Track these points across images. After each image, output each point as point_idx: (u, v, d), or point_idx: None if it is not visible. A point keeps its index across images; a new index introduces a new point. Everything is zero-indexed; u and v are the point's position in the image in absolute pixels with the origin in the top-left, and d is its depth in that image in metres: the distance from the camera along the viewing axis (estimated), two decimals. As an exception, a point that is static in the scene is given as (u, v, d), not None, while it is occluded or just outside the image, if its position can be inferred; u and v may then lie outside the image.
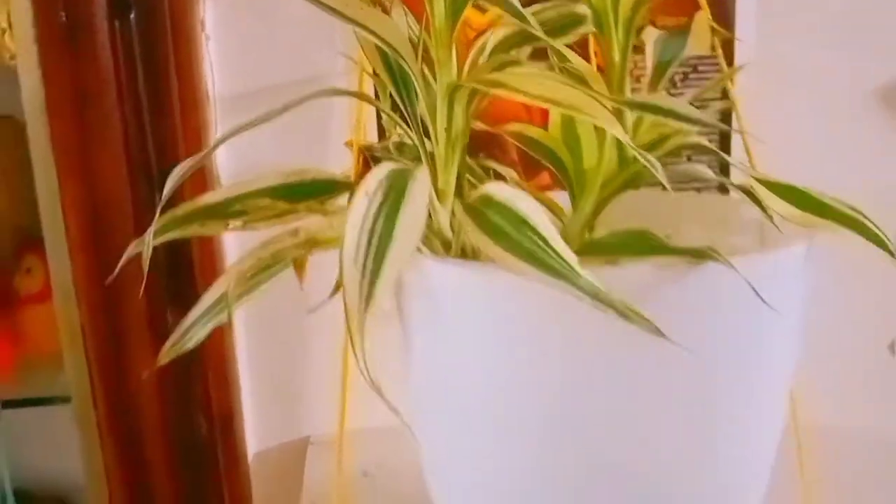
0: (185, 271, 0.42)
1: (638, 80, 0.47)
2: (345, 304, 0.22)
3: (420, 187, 0.24)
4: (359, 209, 0.23)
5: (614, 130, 0.25)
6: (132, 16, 0.42)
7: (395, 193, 0.24)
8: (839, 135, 0.53)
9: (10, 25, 0.47)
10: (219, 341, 0.48)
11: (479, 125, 0.34)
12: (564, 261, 0.22)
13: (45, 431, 0.60)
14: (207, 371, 0.47)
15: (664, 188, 0.26)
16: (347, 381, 0.46)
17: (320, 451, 0.51)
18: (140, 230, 0.41)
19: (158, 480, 0.49)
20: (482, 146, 0.36)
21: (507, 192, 0.24)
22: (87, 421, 0.49)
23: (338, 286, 0.30)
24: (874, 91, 0.53)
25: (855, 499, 0.50)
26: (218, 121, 0.47)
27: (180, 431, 0.48)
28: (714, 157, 0.38)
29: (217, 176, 0.46)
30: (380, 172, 0.24)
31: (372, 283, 0.22)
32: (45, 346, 0.54)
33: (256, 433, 0.53)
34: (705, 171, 0.32)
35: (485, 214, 0.24)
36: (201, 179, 0.43)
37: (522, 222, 0.23)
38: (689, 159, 0.42)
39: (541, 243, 0.23)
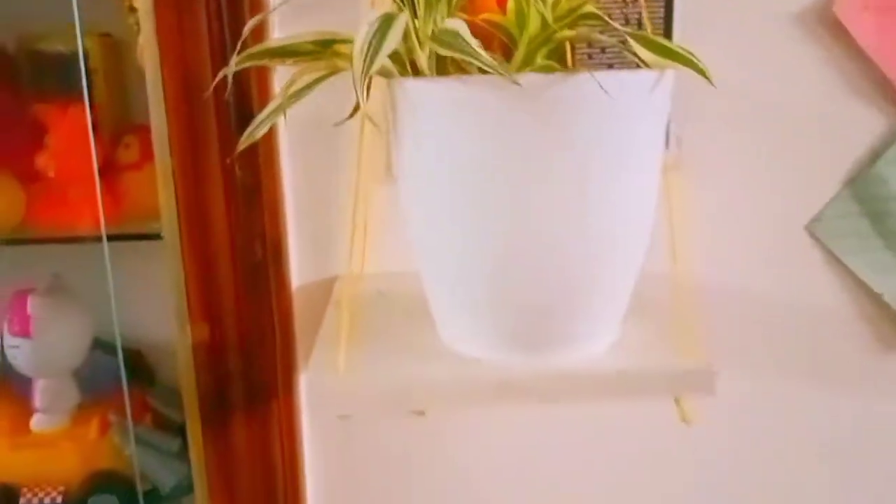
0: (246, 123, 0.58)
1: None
2: (353, 74, 0.37)
3: (400, 23, 0.40)
4: (363, 31, 0.39)
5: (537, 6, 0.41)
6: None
7: (385, 25, 0.39)
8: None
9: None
10: (273, 183, 0.64)
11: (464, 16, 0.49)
12: (482, 56, 0.38)
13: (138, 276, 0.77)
14: (263, 206, 0.63)
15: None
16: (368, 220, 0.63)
17: (345, 281, 0.67)
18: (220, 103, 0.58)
19: (226, 296, 0.66)
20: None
21: (455, 22, 0.40)
22: (174, 250, 0.65)
23: (355, 109, 0.47)
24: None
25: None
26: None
27: (243, 255, 0.65)
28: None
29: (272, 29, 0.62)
30: (377, 14, 0.40)
31: (370, 63, 0.37)
32: (141, 201, 0.72)
33: (298, 268, 0.70)
34: (599, 36, 0.47)
35: (441, 36, 0.40)
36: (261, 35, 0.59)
37: (458, 36, 0.38)
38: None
39: (468, 48, 0.38)
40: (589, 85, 0.40)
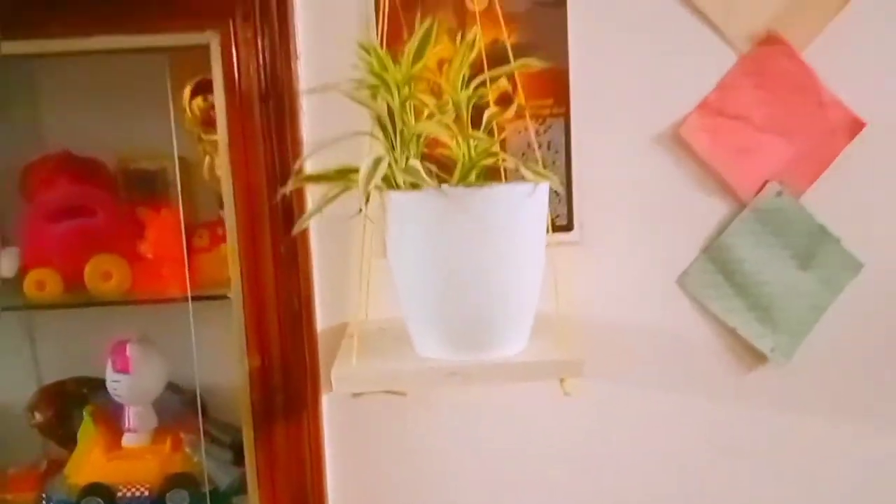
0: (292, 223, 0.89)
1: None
2: (359, 190, 0.68)
3: (385, 162, 0.71)
4: (364, 165, 0.70)
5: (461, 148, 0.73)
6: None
7: (376, 162, 0.71)
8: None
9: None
10: (306, 259, 0.95)
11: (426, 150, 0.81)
12: (426, 181, 0.69)
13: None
14: (299, 274, 0.94)
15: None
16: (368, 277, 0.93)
17: (355, 323, 0.96)
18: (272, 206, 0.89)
19: (272, 336, 0.96)
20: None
21: (414, 162, 0.72)
22: (238, 305, 0.96)
23: (360, 210, 0.78)
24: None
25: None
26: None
27: (285, 308, 0.95)
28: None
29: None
30: (372, 156, 0.72)
31: (368, 184, 0.69)
32: (211, 274, 1.02)
33: (322, 316, 1.00)
34: (504, 163, 0.79)
35: (407, 170, 0.72)
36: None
37: (416, 170, 0.70)
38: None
39: (419, 176, 0.70)
40: (494, 192, 0.72)
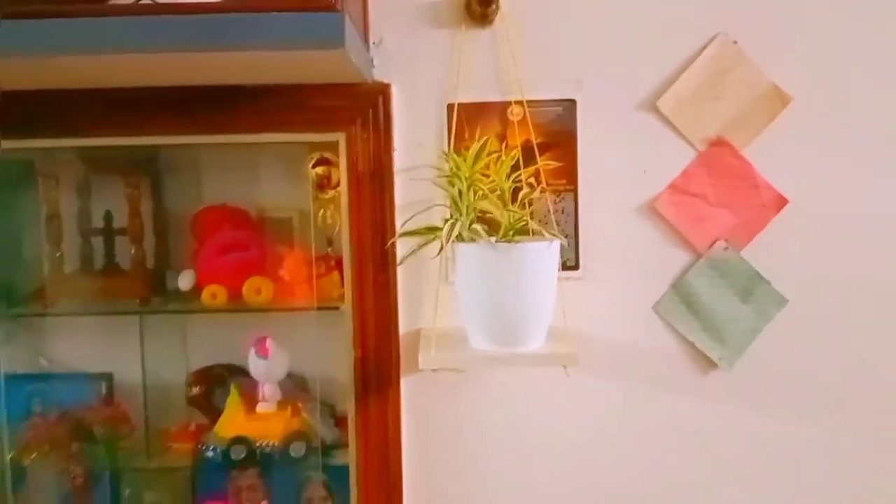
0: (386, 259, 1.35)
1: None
2: (442, 240, 1.13)
3: (457, 225, 1.16)
4: (446, 227, 1.16)
5: (504, 217, 1.18)
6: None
7: (452, 224, 1.16)
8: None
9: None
10: (394, 285, 1.40)
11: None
12: (482, 236, 1.14)
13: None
14: (390, 294, 1.39)
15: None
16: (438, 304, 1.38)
17: (427, 330, 1.41)
18: (377, 249, 1.35)
19: (369, 336, 1.40)
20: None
21: (477, 225, 1.16)
22: (348, 315, 1.41)
23: (439, 251, 1.24)
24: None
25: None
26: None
27: (380, 316, 1.39)
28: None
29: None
30: (449, 221, 1.17)
31: (448, 237, 1.13)
32: (326, 293, 1.48)
33: (403, 323, 1.44)
34: (533, 227, 1.23)
35: (469, 230, 1.17)
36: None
37: (476, 230, 1.15)
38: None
39: (477, 235, 1.15)
40: (525, 246, 1.16)
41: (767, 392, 1.45)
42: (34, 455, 1.53)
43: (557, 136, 1.40)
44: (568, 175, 1.41)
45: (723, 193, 1.42)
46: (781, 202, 1.41)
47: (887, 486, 1.45)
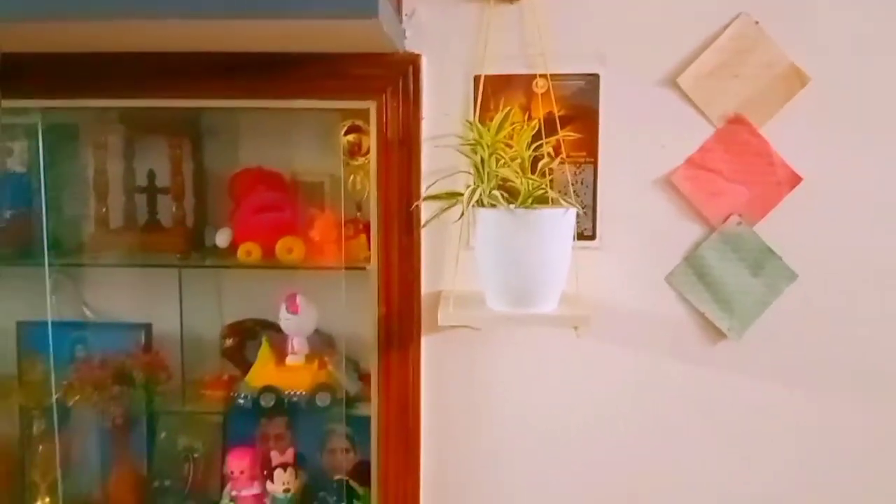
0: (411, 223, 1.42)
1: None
2: (463, 205, 1.20)
3: (478, 190, 1.23)
4: (467, 192, 1.22)
5: (523, 185, 1.24)
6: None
7: (473, 189, 1.23)
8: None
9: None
10: (417, 245, 1.47)
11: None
12: (501, 202, 1.21)
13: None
14: (413, 255, 1.46)
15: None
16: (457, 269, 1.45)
17: (448, 291, 1.48)
18: (403, 211, 1.42)
19: (394, 295, 1.48)
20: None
21: (496, 191, 1.23)
22: (374, 274, 1.49)
23: (461, 215, 1.31)
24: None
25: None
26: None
27: (403, 277, 1.47)
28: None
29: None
30: (470, 186, 1.24)
31: (469, 202, 1.20)
32: (353, 253, 1.56)
33: (426, 283, 1.51)
34: (551, 195, 1.29)
35: (490, 195, 1.23)
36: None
37: (496, 195, 1.22)
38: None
39: (497, 200, 1.21)
40: (542, 212, 1.23)
41: (774, 363, 1.50)
42: (77, 397, 1.65)
43: (579, 109, 1.45)
44: (588, 147, 1.46)
45: (738, 169, 1.46)
46: (796, 180, 1.45)
47: (892, 457, 1.50)
